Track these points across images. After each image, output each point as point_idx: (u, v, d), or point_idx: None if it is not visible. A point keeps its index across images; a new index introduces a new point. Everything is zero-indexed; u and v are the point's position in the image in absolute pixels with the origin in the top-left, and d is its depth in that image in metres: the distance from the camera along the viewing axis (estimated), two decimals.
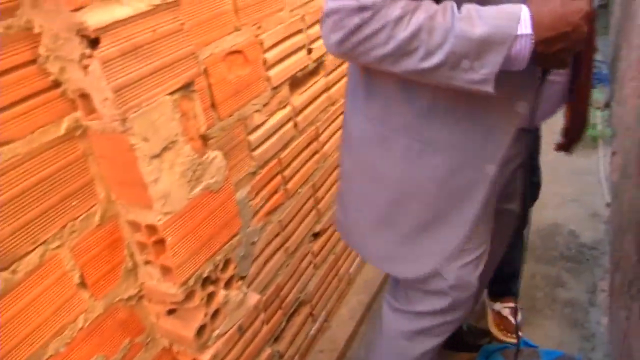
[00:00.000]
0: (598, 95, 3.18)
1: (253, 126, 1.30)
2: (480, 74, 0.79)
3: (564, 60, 0.82)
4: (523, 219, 1.23)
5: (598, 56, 3.64)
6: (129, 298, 0.99)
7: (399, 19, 0.79)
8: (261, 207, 1.37)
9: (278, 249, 1.50)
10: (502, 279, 1.73)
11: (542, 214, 2.43)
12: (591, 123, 2.90)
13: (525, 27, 0.78)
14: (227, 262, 1.07)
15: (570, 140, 1.15)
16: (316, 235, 1.71)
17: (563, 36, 0.78)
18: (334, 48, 0.85)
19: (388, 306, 1.33)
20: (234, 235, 1.06)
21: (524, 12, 0.78)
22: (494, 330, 1.83)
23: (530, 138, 1.05)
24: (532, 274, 2.10)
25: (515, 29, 0.77)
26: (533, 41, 0.78)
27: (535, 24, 0.77)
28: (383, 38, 0.80)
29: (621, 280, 1.67)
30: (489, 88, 0.79)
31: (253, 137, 1.30)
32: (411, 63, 0.81)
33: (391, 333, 1.31)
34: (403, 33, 0.79)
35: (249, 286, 1.36)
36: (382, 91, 1.00)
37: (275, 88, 1.36)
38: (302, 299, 1.71)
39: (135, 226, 0.92)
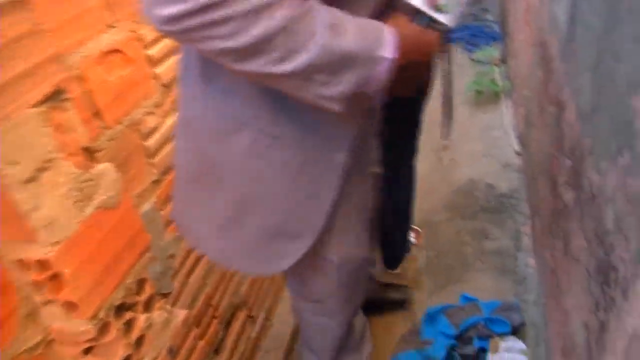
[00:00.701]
0: (493, 52, 3.29)
1: (148, 130, 1.18)
2: (333, 91, 0.72)
3: (412, 87, 0.82)
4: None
5: (489, 16, 3.78)
6: (35, 346, 0.86)
7: (257, 10, 0.64)
8: None
9: (201, 257, 1.40)
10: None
11: (458, 172, 2.48)
12: (491, 79, 2.99)
13: (388, 50, 0.73)
14: (141, 283, 0.96)
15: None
16: None
17: (418, 64, 0.77)
18: (164, 23, 0.64)
19: (291, 292, 1.30)
20: (144, 252, 0.96)
21: (389, 33, 0.74)
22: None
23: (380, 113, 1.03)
24: (458, 231, 2.14)
25: (380, 51, 0.72)
26: (393, 66, 0.74)
27: (398, 49, 0.73)
28: (232, 29, 0.64)
29: (541, 222, 1.72)
30: (338, 107, 0.74)
31: (150, 142, 1.19)
32: (259, 65, 0.69)
33: (307, 317, 1.29)
34: (258, 29, 0.65)
35: (174, 303, 1.25)
36: (223, 77, 0.86)
37: (166, 86, 1.25)
38: (237, 302, 1.62)
39: (23, 265, 0.80)
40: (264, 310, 1.80)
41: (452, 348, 1.55)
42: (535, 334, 1.62)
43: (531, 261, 1.91)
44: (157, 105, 1.23)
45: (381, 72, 0.74)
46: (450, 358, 1.54)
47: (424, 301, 1.85)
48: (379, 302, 1.79)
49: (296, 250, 1.00)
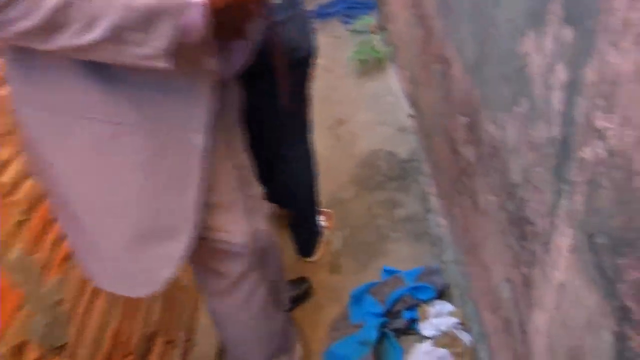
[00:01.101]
0: (370, 20, 3.28)
1: None
2: (152, 48, 0.71)
3: (241, 30, 0.80)
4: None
5: None
6: None
7: None
8: (51, 257, 1.09)
9: (97, 293, 1.23)
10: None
11: (357, 145, 2.45)
12: (372, 47, 2.98)
13: None
14: (20, 348, 0.80)
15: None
16: None
17: (238, 5, 0.75)
18: None
19: (208, 296, 1.25)
20: (16, 310, 0.80)
21: None
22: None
23: (237, 89, 1.01)
24: (369, 205, 2.11)
25: None
26: (206, 11, 0.73)
27: None
28: (24, 9, 0.64)
29: (445, 181, 1.73)
30: (166, 63, 0.72)
31: (4, 179, 1.01)
32: (65, 40, 0.68)
33: (227, 315, 1.25)
34: (49, 2, 0.64)
35: (73, 353, 1.09)
36: (40, 65, 0.79)
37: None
38: (151, 331, 1.47)
39: None
40: (183, 331, 1.66)
41: (383, 325, 1.51)
42: (460, 294, 1.63)
43: (442, 221, 1.92)
44: (8, 134, 1.04)
45: (195, 19, 0.72)
46: (383, 336, 1.50)
47: (347, 284, 1.80)
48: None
49: (175, 252, 0.92)
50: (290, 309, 1.69)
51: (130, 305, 1.38)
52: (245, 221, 1.07)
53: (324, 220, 1.96)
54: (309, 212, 1.79)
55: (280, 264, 1.32)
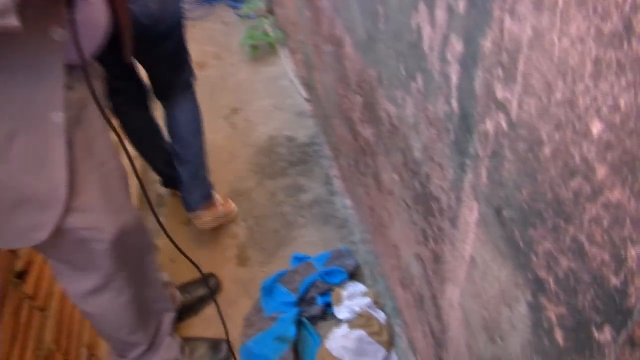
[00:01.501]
0: (258, 4, 3.19)
1: None
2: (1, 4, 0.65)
3: None
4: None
5: None
6: None
7: None
8: None
9: None
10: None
11: (255, 132, 2.38)
12: (263, 31, 2.90)
13: None
14: None
15: (126, 47, 1.09)
16: (22, 275, 1.30)
17: None
18: None
19: (72, 294, 1.18)
20: None
21: None
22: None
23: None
24: (272, 193, 2.06)
25: None
26: None
27: None
28: None
29: (347, 162, 1.72)
30: (11, 20, 0.66)
31: None
32: None
33: (98, 313, 1.20)
34: None
35: None
36: None
37: None
38: (45, 354, 1.32)
39: None
40: (84, 347, 1.51)
41: (299, 315, 1.48)
42: (370, 272, 1.64)
43: (348, 203, 1.92)
44: None
45: None
46: (299, 325, 1.47)
47: (257, 275, 1.74)
48: (190, 307, 1.64)
49: (48, 219, 0.93)
50: (198, 309, 1.65)
51: (18, 329, 1.23)
52: (111, 215, 1.02)
53: (219, 199, 1.89)
54: (199, 165, 1.72)
55: (153, 260, 1.27)
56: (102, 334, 1.32)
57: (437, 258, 0.87)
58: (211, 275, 1.71)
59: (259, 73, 2.78)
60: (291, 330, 1.42)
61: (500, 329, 0.64)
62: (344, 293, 1.50)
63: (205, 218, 1.77)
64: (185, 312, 1.61)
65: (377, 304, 1.47)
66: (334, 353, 1.33)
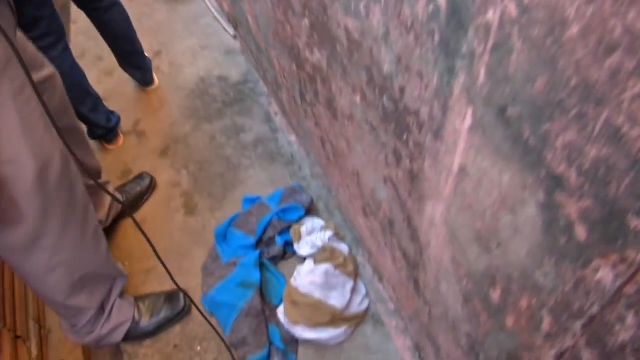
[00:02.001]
0: None
1: None
2: None
3: None
4: None
5: None
6: None
7: None
8: None
9: None
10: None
11: (183, 75, 2.23)
12: None
13: None
14: None
15: None
16: None
17: None
18: None
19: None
20: None
21: None
22: None
23: None
24: (211, 136, 1.95)
25: None
26: None
27: None
28: None
29: (289, 95, 1.64)
30: None
31: None
32: None
33: (31, 270, 1.10)
34: None
35: None
36: None
37: None
38: None
39: None
40: (32, 320, 1.40)
41: (259, 257, 1.43)
42: (325, 207, 1.61)
43: (292, 138, 1.86)
44: None
45: None
46: (262, 268, 1.42)
47: (208, 223, 1.67)
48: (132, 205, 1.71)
49: None
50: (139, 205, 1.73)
51: None
52: (32, 147, 0.94)
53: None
54: (135, 46, 1.96)
55: (89, 210, 1.17)
56: (42, 298, 1.23)
57: (413, 177, 0.83)
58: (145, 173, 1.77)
59: (177, 12, 2.58)
60: (254, 275, 1.38)
61: (499, 237, 0.62)
62: (303, 229, 1.46)
63: (155, 84, 2.18)
64: (129, 209, 1.65)
65: (338, 235, 1.45)
66: (303, 290, 1.30)
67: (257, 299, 1.33)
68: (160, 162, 1.87)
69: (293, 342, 1.33)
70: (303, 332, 1.29)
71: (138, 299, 1.44)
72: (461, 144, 0.64)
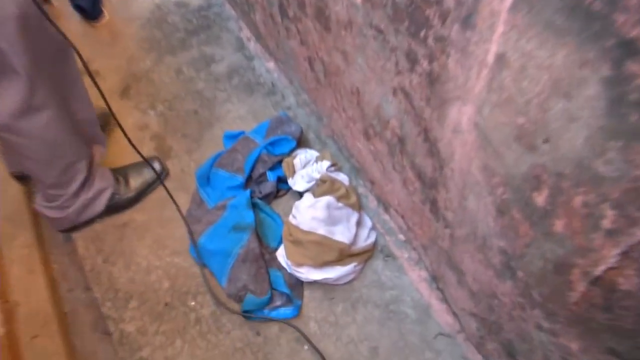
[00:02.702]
0: None
1: None
2: None
3: None
4: None
5: None
6: None
7: None
8: None
9: None
10: None
11: (135, 3, 2.12)
12: None
13: None
14: None
15: None
16: None
17: None
18: None
19: None
20: None
21: None
22: None
23: None
24: (177, 70, 1.88)
25: None
26: None
27: None
28: None
29: (262, 14, 1.58)
30: None
31: None
32: None
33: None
34: None
35: None
36: None
37: None
38: None
39: None
40: None
41: (251, 197, 1.41)
42: (316, 136, 1.58)
43: (270, 65, 1.80)
44: None
45: None
46: (254, 209, 1.40)
47: (186, 165, 1.62)
48: (139, 196, 1.55)
49: None
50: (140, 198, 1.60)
51: None
52: None
53: None
54: None
55: (72, 65, 1.30)
56: (45, 168, 1.33)
57: (433, 80, 0.81)
58: (154, 158, 1.63)
59: None
60: (248, 215, 1.36)
61: (547, 130, 0.61)
62: (297, 161, 1.44)
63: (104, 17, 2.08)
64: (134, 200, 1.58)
65: (335, 165, 1.43)
66: (304, 227, 1.29)
67: (254, 242, 1.32)
68: (122, 104, 1.79)
69: (298, 285, 1.33)
70: (309, 273, 1.29)
71: (114, 170, 1.54)
72: (499, 28, 0.61)
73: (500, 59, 0.63)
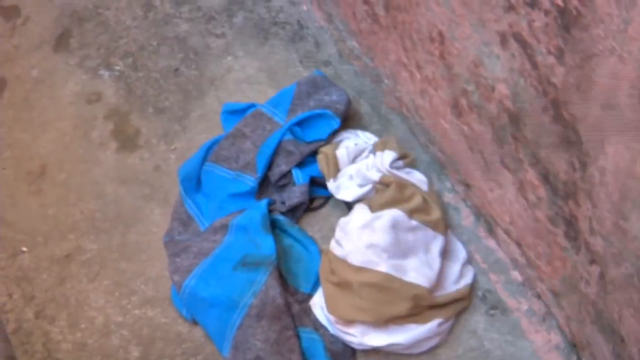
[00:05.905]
0: None
1: None
2: None
3: None
4: None
5: None
6: None
7: None
8: None
9: None
10: None
11: None
12: None
13: None
14: None
15: None
16: None
17: None
18: None
19: None
20: None
21: None
22: None
23: None
24: (145, 5, 1.93)
25: None
26: None
27: None
28: None
29: None
30: None
31: None
32: None
33: None
34: None
35: None
36: None
37: None
38: None
39: None
40: None
41: (269, 210, 1.44)
42: (372, 108, 1.59)
43: (318, 14, 1.83)
44: None
45: None
46: (274, 229, 1.42)
47: (167, 160, 1.65)
48: None
49: None
50: None
51: None
52: None
53: None
54: None
55: None
56: None
57: (569, 22, 0.82)
58: None
59: None
60: (265, 243, 1.38)
61: None
62: (342, 153, 1.45)
63: None
64: None
65: (406, 158, 1.44)
66: (356, 261, 1.30)
67: (275, 286, 1.34)
68: (56, 60, 1.84)
69: (346, 355, 1.34)
70: (364, 336, 1.30)
71: None
72: None
73: None
